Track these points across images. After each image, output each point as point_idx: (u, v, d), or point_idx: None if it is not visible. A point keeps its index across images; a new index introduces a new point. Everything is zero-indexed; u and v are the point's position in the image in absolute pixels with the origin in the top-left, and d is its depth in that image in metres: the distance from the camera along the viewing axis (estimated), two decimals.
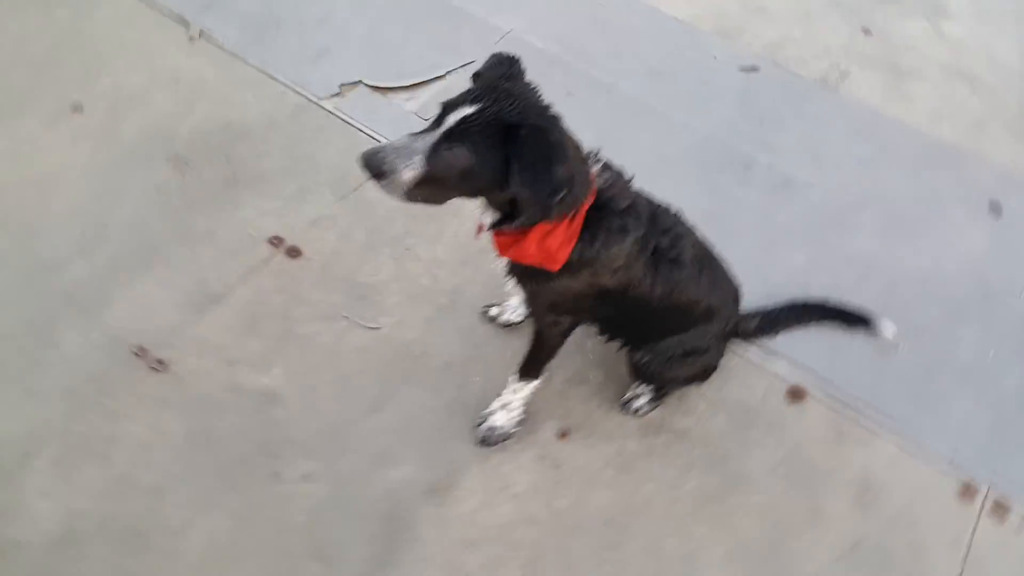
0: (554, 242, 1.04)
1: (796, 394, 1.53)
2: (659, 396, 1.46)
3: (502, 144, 0.94)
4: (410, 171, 0.97)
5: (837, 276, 1.68)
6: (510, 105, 0.96)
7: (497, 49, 1.08)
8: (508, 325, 1.57)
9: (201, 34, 2.08)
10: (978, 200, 1.88)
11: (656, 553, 1.33)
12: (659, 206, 1.19)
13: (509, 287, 1.22)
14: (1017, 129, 2.05)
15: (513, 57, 1.05)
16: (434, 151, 0.96)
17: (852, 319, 1.56)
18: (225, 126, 1.88)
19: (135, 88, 1.94)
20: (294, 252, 1.66)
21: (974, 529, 1.40)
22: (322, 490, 1.35)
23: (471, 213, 1.21)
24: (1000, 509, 1.42)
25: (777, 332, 1.55)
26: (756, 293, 1.45)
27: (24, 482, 1.31)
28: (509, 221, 1.05)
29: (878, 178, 1.90)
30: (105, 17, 2.10)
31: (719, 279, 1.31)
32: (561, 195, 0.95)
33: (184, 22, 2.10)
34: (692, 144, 1.92)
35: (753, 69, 2.13)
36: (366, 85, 2.00)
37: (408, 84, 2.01)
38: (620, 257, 1.10)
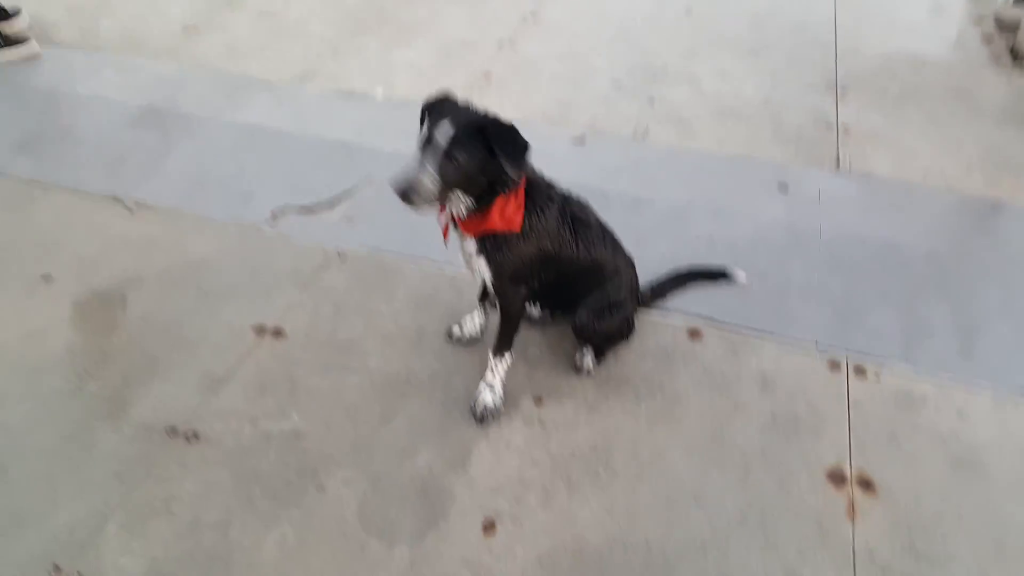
0: (510, 210, 1.48)
1: (694, 333, 2.01)
2: (600, 355, 1.88)
3: (481, 141, 1.39)
4: (431, 184, 1.38)
5: (692, 252, 2.23)
6: (467, 117, 1.42)
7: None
8: (468, 339, 1.96)
9: (137, 204, 2.44)
10: (770, 184, 2.56)
11: (635, 458, 1.69)
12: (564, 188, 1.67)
13: (476, 272, 1.62)
14: (776, 138, 2.82)
15: (448, 94, 1.52)
16: (443, 164, 1.38)
17: (714, 275, 2.12)
18: (185, 263, 2.20)
19: (94, 255, 2.23)
20: (277, 332, 1.98)
21: (847, 387, 1.88)
22: (362, 487, 1.61)
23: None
24: (860, 370, 1.92)
25: (666, 296, 2.08)
26: (643, 274, 1.95)
27: (102, 548, 1.48)
28: (481, 204, 1.47)
29: (696, 186, 2.54)
30: (47, 212, 2.40)
31: (618, 246, 1.80)
32: (528, 154, 1.41)
33: (118, 199, 2.46)
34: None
35: (582, 140, 2.78)
36: (292, 206, 2.42)
37: (326, 199, 2.45)
38: (551, 221, 1.57)
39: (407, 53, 3.36)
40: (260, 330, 1.98)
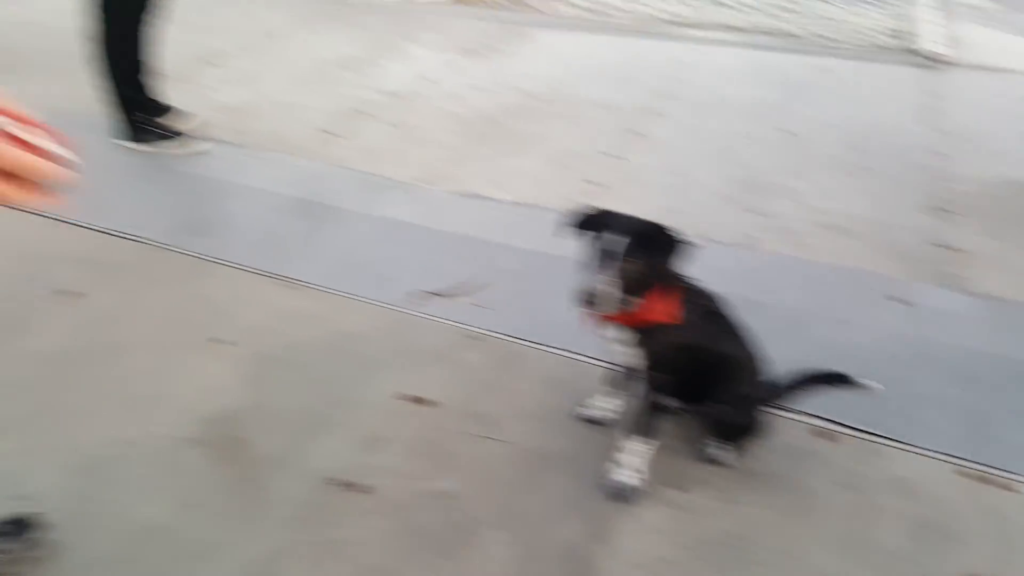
0: (669, 303, 1.65)
1: (824, 434, 2.08)
2: (735, 448, 1.97)
3: (650, 246, 1.57)
4: (613, 290, 1.55)
5: (811, 356, 2.31)
6: (634, 226, 1.60)
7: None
8: (601, 421, 2.08)
9: (294, 282, 2.72)
10: (886, 298, 2.66)
11: (775, 549, 1.76)
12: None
13: (626, 360, 1.77)
14: (887, 255, 2.94)
15: (603, 208, 1.70)
16: (621, 271, 1.56)
17: (841, 380, 2.19)
18: (339, 334, 2.44)
19: (259, 323, 2.48)
20: (426, 401, 2.16)
21: (990, 500, 1.91)
22: (514, 549, 1.72)
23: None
24: (1004, 485, 1.95)
25: (793, 395, 2.16)
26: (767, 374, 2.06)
27: None
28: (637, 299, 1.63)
29: (811, 294, 2.63)
30: (216, 285, 2.69)
31: (750, 342, 1.93)
32: (685, 257, 1.58)
33: (277, 277, 2.74)
34: None
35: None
36: (429, 291, 2.65)
37: (458, 286, 2.68)
38: (698, 315, 1.73)
39: (522, 161, 3.67)
40: (411, 398, 2.16)
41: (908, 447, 2.05)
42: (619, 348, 1.78)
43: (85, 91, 3.80)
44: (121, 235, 2.96)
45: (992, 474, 1.96)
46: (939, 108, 4.41)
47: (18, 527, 1.69)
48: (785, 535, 1.78)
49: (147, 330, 2.46)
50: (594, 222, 1.67)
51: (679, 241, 1.59)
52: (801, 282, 2.75)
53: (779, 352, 2.05)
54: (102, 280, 2.68)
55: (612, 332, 1.75)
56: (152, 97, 3.64)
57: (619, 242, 1.57)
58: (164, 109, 3.73)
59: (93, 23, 3.29)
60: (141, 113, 3.57)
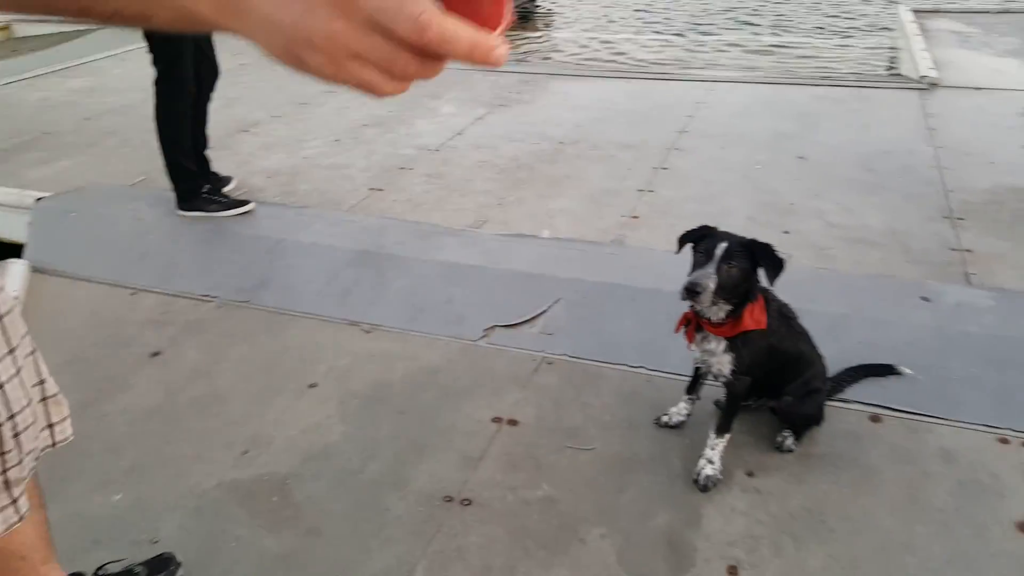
0: (757, 312, 1.90)
1: (875, 418, 2.31)
2: (798, 436, 2.19)
3: (748, 255, 1.83)
4: (712, 284, 1.80)
5: (855, 353, 2.55)
6: (735, 238, 1.86)
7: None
8: (675, 426, 2.31)
9: (371, 326, 2.97)
10: (913, 298, 2.90)
11: (847, 518, 1.96)
12: None
13: (714, 367, 2.00)
14: (908, 261, 3.18)
15: (706, 224, 1.97)
16: (720, 270, 1.81)
17: (884, 370, 2.45)
18: (422, 370, 2.67)
19: (347, 366, 2.72)
20: (512, 422, 2.38)
21: (1022, 458, 2.12)
22: (618, 540, 1.93)
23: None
24: None
25: (844, 388, 2.40)
26: None
27: None
28: (734, 311, 1.89)
29: (846, 300, 2.87)
30: (299, 335, 2.94)
31: (813, 341, 2.17)
32: (782, 270, 1.83)
33: (354, 323, 3.00)
34: None
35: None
36: (499, 325, 2.90)
37: (527, 319, 2.93)
38: (777, 321, 1.97)
39: (560, 201, 3.95)
40: (498, 420, 2.39)
41: (948, 422, 2.28)
42: (708, 356, 2.01)
43: (140, 165, 4.13)
44: (195, 297, 3.22)
45: (1020, 436, 2.20)
46: (936, 126, 4.72)
47: (162, 564, 1.88)
48: (851, 505, 2.00)
49: (238, 381, 2.69)
50: (700, 235, 1.95)
51: (774, 254, 1.84)
52: (836, 290, 2.99)
53: (826, 351, 2.28)
54: (186, 339, 2.93)
55: (703, 341, 1.99)
56: (204, 166, 3.99)
57: (721, 247, 1.83)
58: (215, 177, 4.07)
59: (154, 100, 3.64)
60: (196, 182, 3.89)
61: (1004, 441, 2.20)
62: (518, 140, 4.84)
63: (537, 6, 12.64)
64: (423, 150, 4.76)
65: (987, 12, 8.14)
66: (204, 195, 3.91)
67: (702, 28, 10.96)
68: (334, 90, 6.05)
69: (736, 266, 1.82)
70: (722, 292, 1.83)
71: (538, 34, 11.41)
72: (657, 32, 10.84)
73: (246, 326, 3.03)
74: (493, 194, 4.09)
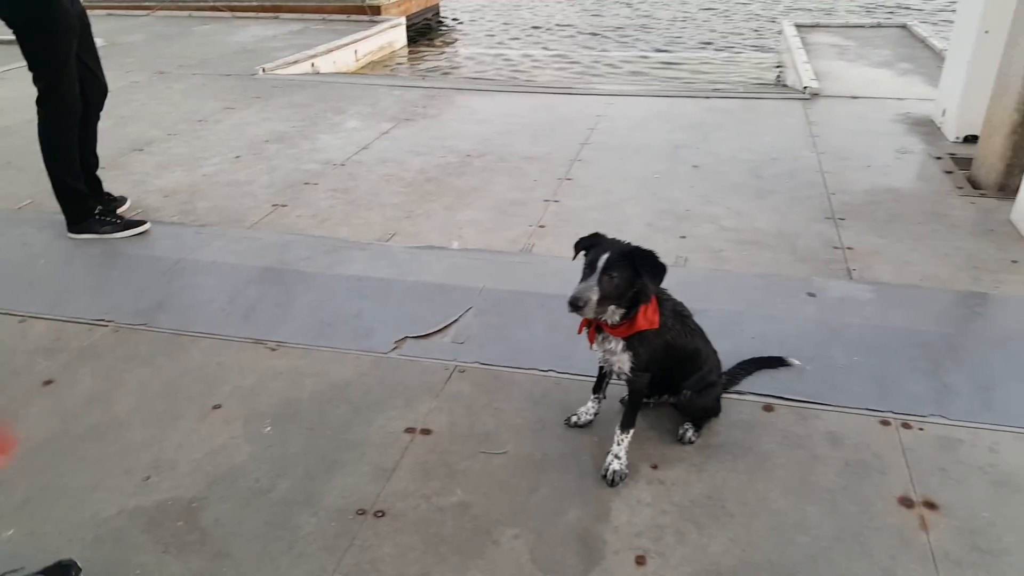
0: (650, 313, 1.98)
1: (768, 408, 2.44)
2: (697, 428, 2.30)
3: (629, 264, 1.89)
4: (595, 296, 1.86)
5: (750, 348, 2.70)
6: (618, 247, 1.92)
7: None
8: (584, 425, 2.37)
9: (277, 344, 2.91)
10: (800, 294, 3.09)
11: (744, 502, 2.07)
12: None
13: (615, 365, 2.08)
14: (795, 259, 3.40)
15: (597, 234, 2.04)
16: (601, 281, 1.87)
17: (774, 362, 2.60)
18: (332, 386, 2.63)
19: (252, 386, 2.65)
20: (426, 431, 2.38)
21: (899, 438, 2.30)
22: (530, 539, 1.96)
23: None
24: (906, 425, 2.35)
25: (739, 381, 2.53)
26: None
27: None
28: (628, 314, 1.96)
29: (740, 298, 3.04)
30: (200, 356, 2.85)
31: (707, 337, 2.28)
32: (664, 274, 1.92)
33: (259, 341, 2.93)
34: None
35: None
36: (410, 336, 2.90)
37: (438, 329, 2.94)
38: (670, 319, 2.06)
39: (469, 213, 4.00)
40: (411, 431, 2.39)
41: (834, 408, 2.44)
42: (609, 355, 2.08)
43: (26, 189, 3.90)
44: (89, 322, 3.07)
45: (899, 418, 2.38)
46: (819, 133, 5.06)
47: (62, 571, 1.81)
48: (748, 490, 2.11)
49: (137, 406, 2.58)
50: (586, 244, 2.01)
51: (655, 261, 1.93)
52: (729, 289, 3.16)
53: (721, 347, 2.41)
54: (81, 366, 2.79)
55: (603, 342, 2.07)
56: (94, 186, 3.82)
57: (603, 258, 1.89)
58: (107, 197, 3.90)
59: (38, 120, 3.46)
60: (86, 203, 3.71)
61: (885, 423, 2.37)
62: (425, 154, 4.87)
63: (439, 23, 12.75)
64: (328, 165, 4.71)
65: (862, 27, 8.79)
66: (96, 216, 3.74)
67: (598, 44, 11.38)
68: (233, 107, 5.93)
69: (617, 276, 1.88)
70: (607, 300, 1.91)
71: (440, 51, 11.49)
72: (553, 49, 11.17)
73: (144, 349, 2.91)
74: (401, 207, 4.09)
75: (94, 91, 3.69)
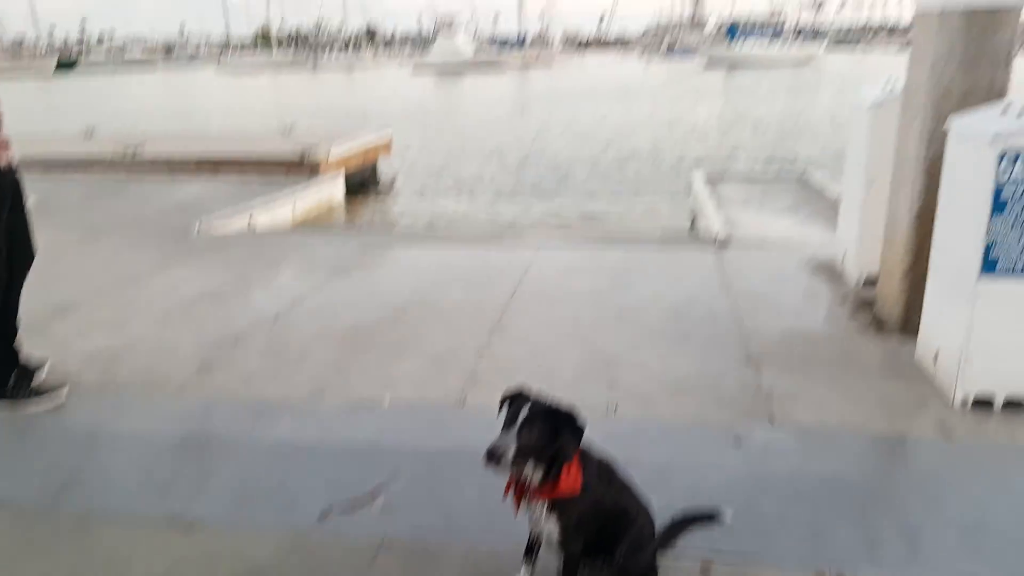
0: (572, 475, 1.97)
1: (705, 568, 2.41)
2: None
3: (548, 422, 1.90)
4: (511, 449, 1.86)
5: (681, 501, 2.69)
6: (538, 406, 1.94)
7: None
8: None
9: (191, 525, 2.74)
10: (727, 441, 3.15)
11: None
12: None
13: (543, 531, 2.03)
14: (719, 404, 3.48)
15: (522, 387, 2.05)
16: (519, 436, 1.87)
17: (707, 517, 2.58)
18: (247, 572, 2.46)
19: (165, 574, 2.48)
20: None
21: None
22: None
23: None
24: None
25: (675, 539, 2.50)
26: None
27: None
28: (549, 475, 1.94)
29: (668, 448, 3.08)
30: (106, 543, 2.62)
31: (637, 494, 2.27)
32: (583, 434, 1.92)
33: (173, 521, 2.75)
34: None
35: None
36: (335, 506, 2.78)
37: (363, 495, 2.84)
38: (595, 479, 2.06)
39: (402, 365, 4.00)
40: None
41: (770, 563, 2.43)
42: (535, 523, 2.05)
43: None
44: None
45: (834, 570, 2.39)
46: (730, 279, 5.36)
47: None
48: None
49: None
50: (510, 399, 2.02)
51: (574, 421, 1.95)
52: (657, 439, 3.19)
53: (653, 500, 2.41)
54: None
55: (529, 507, 2.04)
56: (12, 357, 3.67)
57: (522, 415, 1.91)
58: (24, 364, 3.73)
59: None
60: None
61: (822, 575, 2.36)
62: (358, 305, 4.91)
63: (375, 179, 13.31)
64: (259, 322, 4.68)
65: (764, 181, 9.61)
66: (11, 386, 3.58)
67: (523, 198, 12.16)
68: (165, 265, 5.92)
69: (537, 431, 1.90)
70: (525, 454, 1.91)
71: (376, 204, 11.93)
72: (482, 202, 11.83)
73: (46, 536, 2.69)
74: (332, 363, 4.06)
75: (20, 257, 3.64)
